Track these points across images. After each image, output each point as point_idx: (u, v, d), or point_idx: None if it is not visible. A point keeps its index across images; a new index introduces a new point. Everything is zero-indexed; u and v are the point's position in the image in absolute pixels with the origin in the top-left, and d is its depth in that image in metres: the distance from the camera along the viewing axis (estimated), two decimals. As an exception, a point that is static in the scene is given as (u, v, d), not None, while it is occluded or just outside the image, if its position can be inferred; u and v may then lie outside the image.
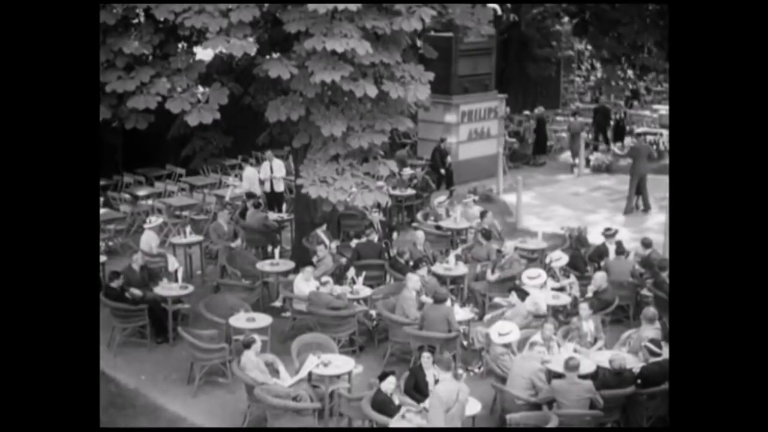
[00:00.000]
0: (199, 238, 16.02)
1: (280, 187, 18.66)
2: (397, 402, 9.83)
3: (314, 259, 14.10)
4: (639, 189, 19.79)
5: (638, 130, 29.10)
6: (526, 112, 27.64)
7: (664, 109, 33.11)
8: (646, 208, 19.68)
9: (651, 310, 11.73)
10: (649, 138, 27.40)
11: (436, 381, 10.29)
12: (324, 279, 12.96)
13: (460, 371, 12.01)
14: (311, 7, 11.46)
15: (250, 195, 17.47)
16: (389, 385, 9.81)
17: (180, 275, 13.62)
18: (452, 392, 8.92)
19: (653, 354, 10.57)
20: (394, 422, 9.41)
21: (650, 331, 11.28)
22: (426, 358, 10.45)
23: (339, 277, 13.82)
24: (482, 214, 16.52)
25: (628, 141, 25.89)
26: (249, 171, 18.94)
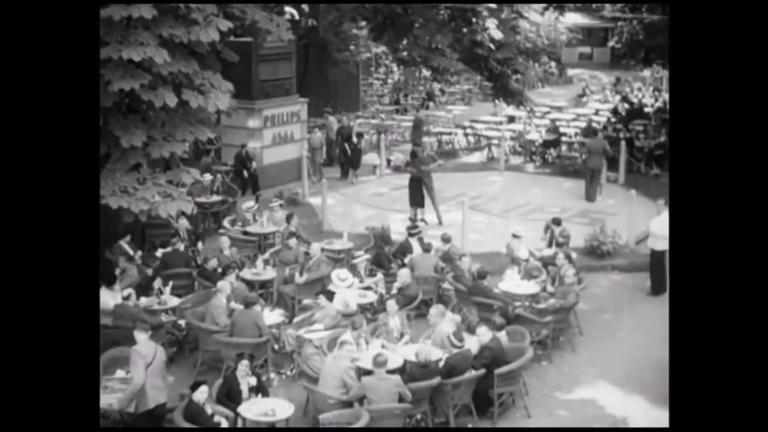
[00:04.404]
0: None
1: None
2: (209, 411, 9.83)
3: (117, 272, 13.74)
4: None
5: (435, 129, 30.35)
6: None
7: (457, 110, 34.68)
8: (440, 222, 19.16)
9: (438, 308, 12.30)
10: (445, 137, 28.66)
11: (250, 388, 10.41)
12: (126, 291, 12.67)
13: (272, 374, 12.16)
14: (104, 13, 11.19)
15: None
16: (201, 394, 9.79)
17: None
18: (151, 350, 9.97)
19: (455, 346, 11.13)
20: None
21: (447, 325, 11.88)
22: (244, 365, 10.51)
23: (145, 288, 13.55)
24: (288, 218, 16.70)
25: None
26: None
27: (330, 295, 12.85)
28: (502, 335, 11.66)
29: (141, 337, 10.08)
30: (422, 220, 19.13)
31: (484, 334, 11.33)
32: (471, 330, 11.84)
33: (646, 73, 46.19)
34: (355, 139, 24.15)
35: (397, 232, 17.42)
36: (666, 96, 36.34)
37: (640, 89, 40.06)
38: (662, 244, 15.37)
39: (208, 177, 19.25)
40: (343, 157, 24.03)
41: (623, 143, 23.57)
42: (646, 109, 31.63)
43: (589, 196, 21.39)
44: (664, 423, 10.97)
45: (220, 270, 13.95)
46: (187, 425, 9.54)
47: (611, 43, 53.21)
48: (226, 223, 17.73)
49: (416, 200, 19.36)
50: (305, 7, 27.34)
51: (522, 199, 21.59)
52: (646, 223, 15.95)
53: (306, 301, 13.76)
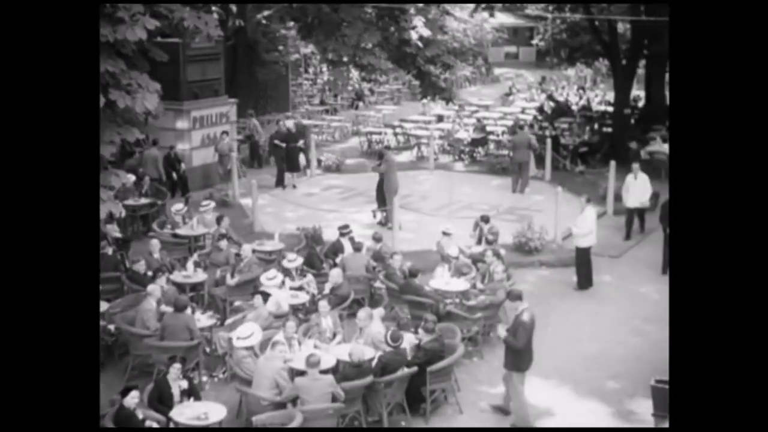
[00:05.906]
0: None
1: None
2: (141, 416, 9.74)
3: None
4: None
5: (364, 129, 30.47)
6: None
7: (387, 109, 34.86)
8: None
9: (366, 311, 12.33)
10: (375, 137, 28.79)
11: (182, 392, 10.35)
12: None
13: (204, 378, 12.09)
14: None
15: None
16: (132, 399, 9.70)
17: None
18: None
19: (391, 347, 11.19)
20: None
21: (377, 325, 11.96)
22: (175, 369, 10.43)
23: (73, 293, 13.32)
24: (219, 219, 16.59)
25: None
26: None
27: (266, 296, 12.83)
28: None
29: None
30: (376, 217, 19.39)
31: (423, 337, 11.43)
32: (401, 328, 11.94)
33: (571, 71, 47.16)
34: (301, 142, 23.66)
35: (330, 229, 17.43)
36: (590, 94, 37.19)
37: (564, 88, 40.87)
38: (586, 240, 15.75)
39: (132, 178, 18.93)
40: (282, 164, 23.06)
41: (549, 141, 24.04)
42: (572, 107, 32.33)
43: (517, 189, 21.93)
44: (590, 414, 11.34)
45: (149, 273, 13.81)
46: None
47: (535, 41, 54.25)
48: (155, 225, 17.53)
49: (380, 202, 19.51)
50: (233, 7, 27.17)
51: (451, 197, 21.83)
52: (572, 219, 16.30)
53: (237, 303, 13.70)
